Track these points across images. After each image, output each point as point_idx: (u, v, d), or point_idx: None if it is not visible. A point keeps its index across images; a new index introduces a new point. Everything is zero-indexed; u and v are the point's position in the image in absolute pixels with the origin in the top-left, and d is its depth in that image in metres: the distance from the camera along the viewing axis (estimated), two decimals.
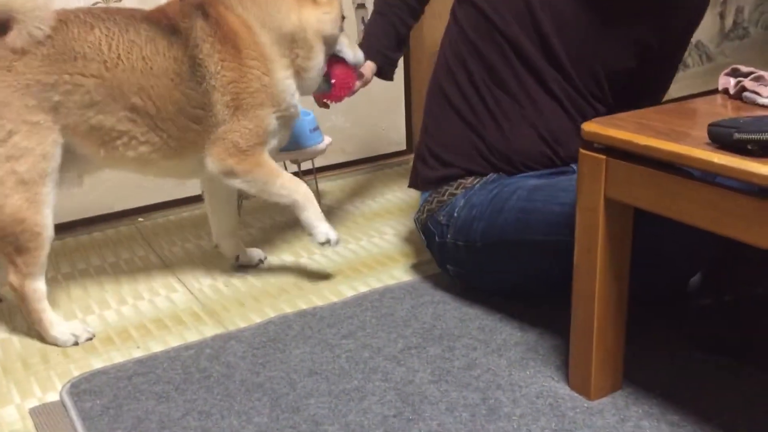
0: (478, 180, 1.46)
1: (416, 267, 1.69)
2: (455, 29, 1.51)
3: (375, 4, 1.70)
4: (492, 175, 1.46)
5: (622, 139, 1.04)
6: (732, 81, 1.19)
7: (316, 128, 1.94)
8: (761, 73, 1.16)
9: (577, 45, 1.41)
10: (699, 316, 1.37)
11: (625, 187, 1.06)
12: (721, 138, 0.93)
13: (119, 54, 1.37)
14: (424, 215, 1.53)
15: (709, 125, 0.95)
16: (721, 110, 1.14)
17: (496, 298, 1.49)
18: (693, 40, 2.78)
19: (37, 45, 1.31)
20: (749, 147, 0.90)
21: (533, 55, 1.41)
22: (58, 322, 1.43)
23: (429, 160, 1.53)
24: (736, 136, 0.91)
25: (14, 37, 1.29)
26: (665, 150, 0.98)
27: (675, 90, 1.57)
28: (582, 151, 1.10)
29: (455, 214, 1.45)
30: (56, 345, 1.42)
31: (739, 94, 1.17)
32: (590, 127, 1.09)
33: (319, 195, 2.06)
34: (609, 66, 1.43)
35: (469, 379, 1.24)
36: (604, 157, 1.07)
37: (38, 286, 1.40)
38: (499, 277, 1.46)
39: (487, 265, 1.45)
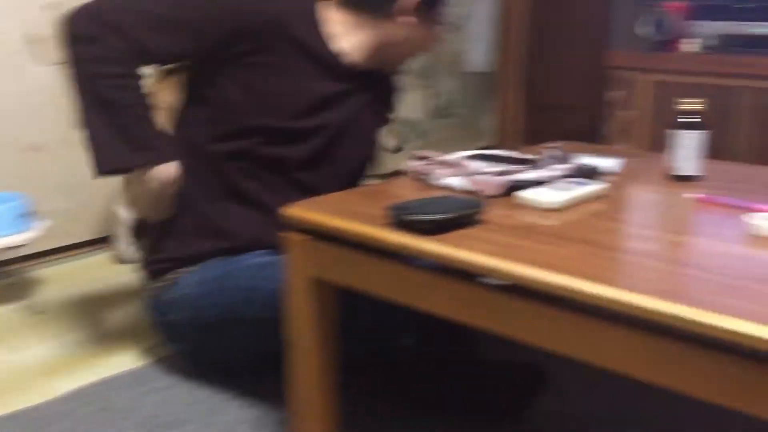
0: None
1: (143, 353, 1.65)
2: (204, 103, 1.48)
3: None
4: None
5: (318, 221, 1.13)
6: (416, 164, 1.36)
7: (23, 215, 1.83)
8: (438, 157, 1.33)
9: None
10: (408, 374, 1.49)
11: (326, 266, 1.14)
12: (397, 219, 1.05)
13: None
14: (152, 293, 1.51)
15: (388, 207, 1.07)
16: (408, 192, 1.29)
17: (228, 377, 1.50)
18: (409, 118, 3.09)
19: None
20: (418, 227, 1.03)
21: (282, 158, 1.46)
22: None
23: (151, 250, 1.52)
24: (408, 217, 1.03)
25: None
26: (353, 231, 1.08)
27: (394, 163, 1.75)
28: (289, 234, 1.18)
29: (183, 291, 1.45)
30: None
31: (419, 176, 1.33)
32: (291, 210, 1.17)
33: (37, 283, 1.93)
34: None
35: None
36: (306, 238, 1.15)
37: None
38: (228, 354, 1.48)
39: (215, 342, 1.46)
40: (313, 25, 1.47)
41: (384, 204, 1.18)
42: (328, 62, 1.48)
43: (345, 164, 1.56)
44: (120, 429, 1.34)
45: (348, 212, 1.14)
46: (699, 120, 1.32)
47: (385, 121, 1.66)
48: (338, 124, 1.51)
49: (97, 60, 1.35)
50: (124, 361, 1.61)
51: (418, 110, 3.16)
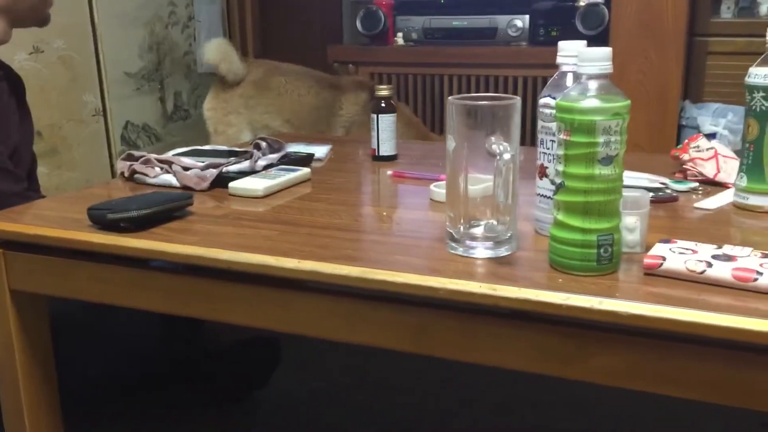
0: None
1: None
2: None
3: None
4: None
5: (14, 231, 1.07)
6: (127, 165, 1.33)
7: None
8: (149, 156, 1.32)
9: None
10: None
11: (29, 276, 1.09)
12: (98, 219, 1.03)
13: None
14: None
15: (88, 209, 1.05)
16: (119, 193, 1.26)
17: None
18: (140, 123, 2.99)
19: None
20: (122, 224, 1.02)
21: None
22: None
23: None
24: (109, 216, 1.02)
25: None
26: (53, 236, 1.04)
27: None
28: None
29: None
30: None
31: (132, 176, 1.31)
32: None
33: None
34: None
35: None
36: (1, 250, 1.08)
37: None
38: None
39: None
40: None
41: (85, 207, 1.15)
42: None
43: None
44: None
45: (46, 219, 1.10)
46: (390, 104, 1.45)
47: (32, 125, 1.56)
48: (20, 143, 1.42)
49: None
50: None
51: (149, 115, 3.06)
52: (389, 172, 1.35)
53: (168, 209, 1.07)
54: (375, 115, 1.44)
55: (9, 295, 1.09)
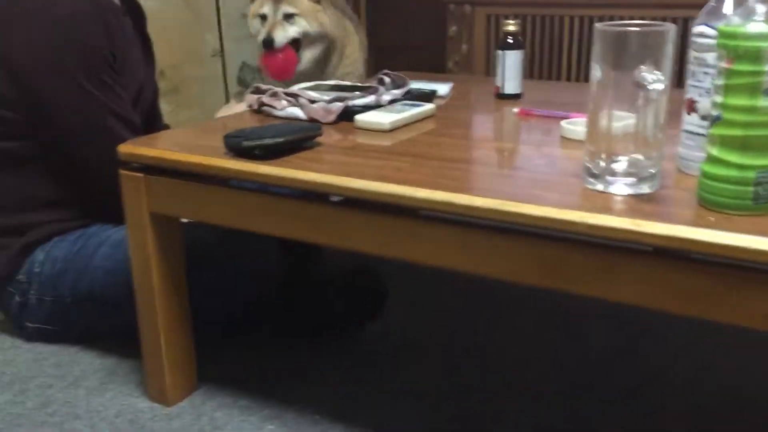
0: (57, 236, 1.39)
1: None
2: None
3: None
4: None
5: (154, 156, 1.11)
6: (255, 98, 1.36)
7: None
8: (276, 89, 1.34)
9: None
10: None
11: (166, 200, 1.13)
12: (234, 147, 1.06)
13: None
14: None
15: (224, 136, 1.08)
16: (248, 125, 1.29)
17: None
18: (255, 64, 3.03)
19: None
20: (256, 152, 1.04)
21: None
22: None
23: None
24: (245, 143, 1.04)
25: None
26: (190, 162, 1.07)
27: None
28: (122, 171, 1.15)
29: (36, 269, 1.37)
30: None
31: (259, 109, 1.33)
32: (126, 148, 1.14)
33: None
34: None
35: (43, 417, 1.20)
36: (142, 174, 1.13)
37: None
38: (91, 330, 1.42)
39: (77, 322, 1.40)
40: None
41: (219, 136, 1.18)
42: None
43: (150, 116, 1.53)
44: None
45: (183, 146, 1.14)
46: (517, 40, 1.40)
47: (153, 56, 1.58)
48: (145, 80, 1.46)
49: None
50: None
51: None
52: (515, 110, 1.32)
53: (299, 139, 1.08)
54: (501, 52, 1.40)
55: (149, 218, 1.14)
